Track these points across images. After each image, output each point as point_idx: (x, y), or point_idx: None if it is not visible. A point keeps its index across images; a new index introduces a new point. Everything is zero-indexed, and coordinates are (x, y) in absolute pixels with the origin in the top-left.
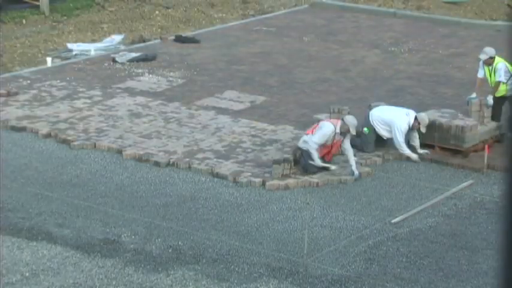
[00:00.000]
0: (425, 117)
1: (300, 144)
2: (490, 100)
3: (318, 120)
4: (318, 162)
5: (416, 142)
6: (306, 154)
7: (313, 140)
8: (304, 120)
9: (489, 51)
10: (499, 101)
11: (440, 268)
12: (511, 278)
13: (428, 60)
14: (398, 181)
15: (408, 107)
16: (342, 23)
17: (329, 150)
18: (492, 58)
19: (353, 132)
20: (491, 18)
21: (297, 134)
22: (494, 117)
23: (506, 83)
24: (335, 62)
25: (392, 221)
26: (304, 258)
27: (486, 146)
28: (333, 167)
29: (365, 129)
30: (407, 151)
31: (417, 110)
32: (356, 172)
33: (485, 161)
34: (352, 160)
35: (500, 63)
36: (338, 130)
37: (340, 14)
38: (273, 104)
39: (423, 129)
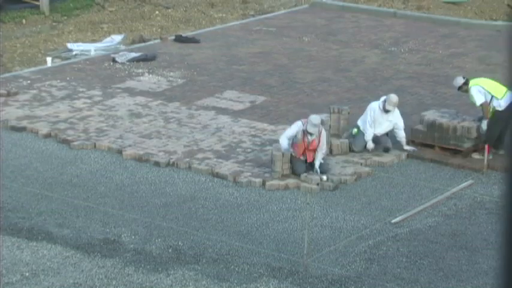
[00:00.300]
0: (393, 96)
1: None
2: (484, 125)
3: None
4: (284, 148)
5: (402, 139)
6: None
7: (283, 135)
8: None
9: (458, 80)
10: (493, 121)
11: (440, 268)
12: (511, 278)
13: (428, 60)
14: (398, 181)
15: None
16: (342, 23)
17: (304, 150)
18: (466, 84)
19: (310, 130)
20: (491, 18)
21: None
22: (491, 140)
23: (486, 104)
24: (335, 62)
25: (392, 221)
26: (304, 258)
27: (486, 146)
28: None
29: (354, 130)
30: (368, 136)
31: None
32: (317, 170)
33: (485, 161)
34: (317, 161)
35: (472, 87)
36: (304, 128)
37: (340, 14)
38: (273, 104)
39: (389, 107)
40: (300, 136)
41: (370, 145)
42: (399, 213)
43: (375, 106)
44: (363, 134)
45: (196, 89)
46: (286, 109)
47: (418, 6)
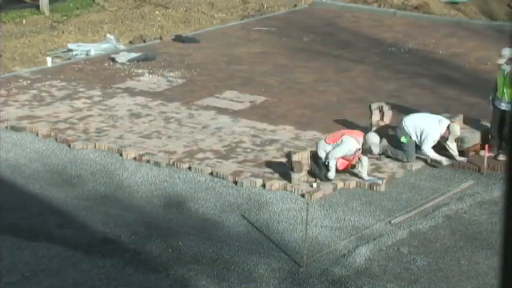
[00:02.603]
0: (457, 129)
1: (320, 152)
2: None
3: (342, 133)
4: (332, 174)
5: (453, 151)
6: (322, 163)
7: (334, 154)
8: (304, 120)
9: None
10: None
11: (440, 268)
12: (511, 279)
13: (428, 60)
14: (398, 181)
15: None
16: (342, 23)
17: (349, 163)
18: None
19: (375, 151)
20: (491, 18)
21: (297, 134)
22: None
23: None
24: (335, 62)
25: (392, 221)
26: (304, 258)
27: (486, 146)
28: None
29: (402, 138)
30: (435, 155)
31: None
32: (369, 178)
33: (485, 161)
34: (365, 172)
35: None
36: (360, 146)
37: (340, 14)
38: (273, 104)
39: (451, 141)
40: (352, 153)
41: (445, 161)
42: (399, 213)
43: (436, 135)
44: (413, 141)
45: (196, 89)
46: (286, 109)
47: (418, 6)
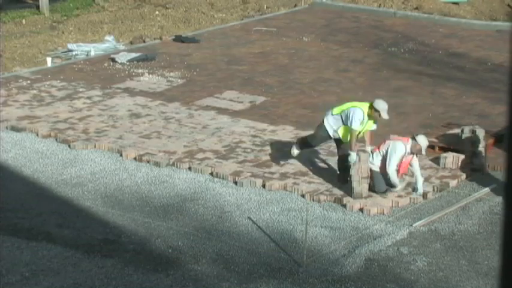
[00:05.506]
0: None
1: (373, 167)
2: None
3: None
4: (398, 184)
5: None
6: (377, 176)
7: (391, 168)
8: (304, 120)
9: None
10: None
11: (440, 268)
12: (511, 279)
13: (428, 60)
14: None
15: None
16: (342, 23)
17: (398, 169)
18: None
19: (423, 152)
20: (491, 18)
21: (296, 134)
22: None
23: None
24: (335, 62)
25: (414, 225)
26: (304, 258)
27: (486, 146)
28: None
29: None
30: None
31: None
32: (420, 190)
33: (485, 161)
34: (420, 179)
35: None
36: (409, 150)
37: (340, 14)
38: (273, 104)
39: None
40: (405, 155)
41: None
42: (399, 214)
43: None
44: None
45: (196, 89)
46: (286, 109)
47: (418, 6)
